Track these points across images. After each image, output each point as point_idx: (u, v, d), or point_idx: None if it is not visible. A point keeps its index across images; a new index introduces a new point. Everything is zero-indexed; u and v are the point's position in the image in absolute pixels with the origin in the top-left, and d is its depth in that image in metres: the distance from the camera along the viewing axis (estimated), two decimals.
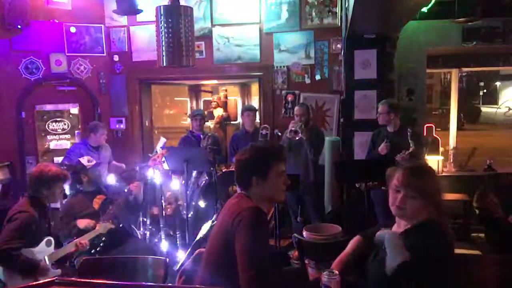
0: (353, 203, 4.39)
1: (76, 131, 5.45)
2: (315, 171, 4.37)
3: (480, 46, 5.03)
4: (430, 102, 15.36)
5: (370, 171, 3.56)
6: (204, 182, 4.43)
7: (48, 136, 5.33)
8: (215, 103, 6.81)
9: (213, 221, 2.56)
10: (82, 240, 3.12)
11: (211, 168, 4.12)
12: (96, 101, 5.48)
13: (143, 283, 2.22)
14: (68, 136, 5.41)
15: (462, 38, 4.98)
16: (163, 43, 3.07)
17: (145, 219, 4.29)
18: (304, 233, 3.34)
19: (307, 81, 5.19)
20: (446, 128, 6.01)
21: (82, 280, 1.56)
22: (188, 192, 4.18)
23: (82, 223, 3.30)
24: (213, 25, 5.29)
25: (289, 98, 5.23)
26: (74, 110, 5.45)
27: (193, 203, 4.42)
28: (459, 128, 6.12)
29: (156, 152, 4.22)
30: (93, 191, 3.54)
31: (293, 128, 4.15)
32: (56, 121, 5.36)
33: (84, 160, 3.52)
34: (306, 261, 2.84)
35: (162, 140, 4.39)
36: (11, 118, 5.06)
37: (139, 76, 5.59)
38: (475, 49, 5.14)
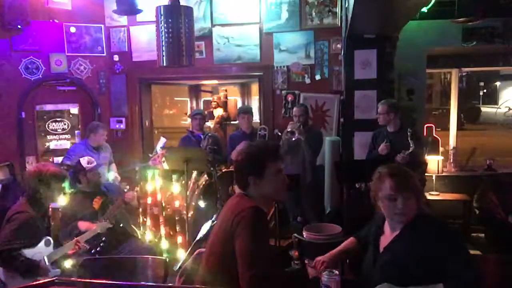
0: (353, 203, 4.38)
1: (76, 131, 5.46)
2: (313, 171, 4.37)
3: (480, 46, 5.03)
4: (430, 102, 15.35)
5: (370, 171, 3.56)
6: (204, 182, 4.43)
7: (48, 136, 5.33)
8: (215, 103, 6.80)
9: (213, 221, 2.56)
10: (81, 240, 3.12)
11: (211, 168, 4.12)
12: (96, 101, 5.48)
13: (143, 283, 2.22)
14: (68, 136, 5.42)
15: (462, 38, 4.98)
16: (163, 43, 3.07)
17: (145, 219, 4.29)
18: (304, 233, 3.34)
19: (307, 81, 5.19)
20: (446, 128, 6.00)
21: (82, 280, 1.56)
22: (188, 192, 4.18)
23: (83, 225, 3.30)
24: (213, 25, 5.29)
25: (289, 98, 5.23)
26: (74, 110, 5.46)
27: (193, 203, 4.42)
28: (459, 128, 6.12)
29: (156, 152, 4.23)
30: (93, 191, 3.54)
31: (289, 129, 4.16)
32: (56, 121, 5.36)
33: (84, 161, 3.51)
34: (306, 261, 2.84)
35: (162, 140, 4.39)
36: (11, 118, 5.06)
37: (139, 76, 5.59)
38: (475, 49, 5.14)
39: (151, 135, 5.97)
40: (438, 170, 4.95)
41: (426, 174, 4.44)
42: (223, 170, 4.67)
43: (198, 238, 2.71)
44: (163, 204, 4.40)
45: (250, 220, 1.75)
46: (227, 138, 6.84)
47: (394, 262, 1.85)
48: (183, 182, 4.21)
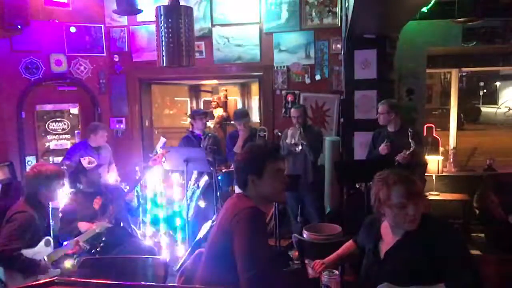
0: (353, 203, 4.38)
1: (76, 131, 5.46)
2: (315, 171, 4.37)
3: (480, 46, 5.03)
4: (430, 102, 15.34)
5: (370, 171, 3.56)
6: (204, 183, 4.43)
7: (48, 136, 5.33)
8: (215, 103, 6.81)
9: (213, 221, 2.56)
10: (80, 239, 3.12)
11: (211, 168, 4.12)
12: (96, 101, 5.48)
13: (143, 283, 2.22)
14: (68, 136, 5.42)
15: (462, 38, 4.98)
16: (163, 43, 3.06)
17: (145, 219, 4.30)
18: (304, 233, 3.35)
19: (307, 81, 5.19)
20: (446, 128, 6.00)
21: (82, 280, 1.56)
22: (188, 192, 4.19)
23: (83, 226, 3.30)
24: (213, 25, 5.29)
25: (289, 98, 5.23)
26: (74, 110, 5.46)
27: (193, 203, 4.42)
28: (459, 128, 6.12)
29: (156, 152, 4.22)
30: (93, 191, 3.54)
31: (293, 141, 4.12)
32: (56, 121, 5.36)
33: (85, 162, 3.51)
34: (306, 261, 2.84)
35: (162, 140, 4.39)
36: (11, 118, 5.06)
37: (139, 76, 5.59)
38: (475, 49, 5.14)
39: (151, 135, 5.97)
40: (438, 170, 4.95)
41: (426, 174, 4.44)
42: (223, 170, 4.68)
43: (198, 238, 2.72)
44: (163, 204, 4.41)
45: (248, 220, 1.75)
46: (227, 138, 6.86)
47: (398, 266, 1.84)
48: (183, 182, 4.22)
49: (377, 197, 1.88)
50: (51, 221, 3.61)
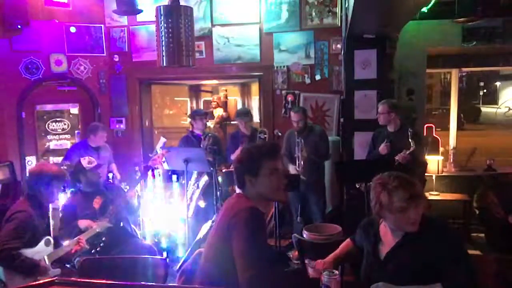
0: (353, 203, 4.38)
1: (76, 131, 5.46)
2: (319, 170, 4.38)
3: (480, 46, 5.03)
4: (430, 102, 15.35)
5: (370, 171, 3.55)
6: (204, 183, 4.43)
7: (48, 136, 5.33)
8: (215, 103, 6.81)
9: (213, 221, 2.56)
10: (80, 239, 3.12)
11: (211, 168, 4.12)
12: (96, 101, 5.48)
13: (143, 283, 2.22)
14: (68, 136, 5.42)
15: (462, 38, 4.98)
16: (163, 43, 3.07)
17: (145, 219, 4.30)
18: (304, 233, 3.35)
19: (307, 81, 5.20)
20: (446, 128, 6.01)
21: (82, 280, 1.56)
22: (188, 192, 4.19)
23: (82, 223, 3.30)
24: (213, 25, 5.29)
25: (289, 98, 5.23)
26: (74, 110, 5.46)
27: (193, 203, 4.42)
28: (459, 128, 6.12)
29: (156, 152, 4.23)
30: (93, 191, 3.54)
31: (297, 170, 4.14)
32: (56, 121, 5.36)
33: (84, 162, 3.51)
34: (306, 261, 2.84)
35: (162, 140, 4.39)
36: (11, 118, 5.06)
37: (139, 76, 5.59)
38: (475, 49, 5.14)
39: (151, 135, 5.97)
40: (438, 170, 4.95)
41: (426, 174, 4.44)
42: (223, 170, 4.67)
43: (198, 238, 2.71)
44: (163, 204, 4.41)
45: (246, 220, 1.75)
46: (227, 138, 6.86)
47: (399, 267, 1.85)
48: (183, 182, 4.22)
49: (378, 201, 1.87)
50: (51, 221, 3.61)
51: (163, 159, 3.94)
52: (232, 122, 6.91)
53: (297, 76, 5.23)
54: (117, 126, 5.61)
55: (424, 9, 4.35)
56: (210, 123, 6.45)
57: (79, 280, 1.56)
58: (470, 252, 1.91)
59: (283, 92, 5.26)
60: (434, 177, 4.99)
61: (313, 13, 5.10)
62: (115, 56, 5.53)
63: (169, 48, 3.07)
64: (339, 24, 5.02)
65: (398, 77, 4.93)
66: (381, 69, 4.53)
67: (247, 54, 5.27)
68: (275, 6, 5.15)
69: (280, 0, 5.13)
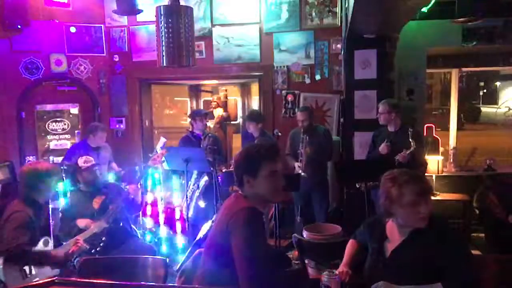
0: (353, 203, 4.38)
1: (76, 131, 5.46)
2: (322, 169, 4.39)
3: (480, 46, 5.02)
4: (430, 102, 15.35)
5: (370, 171, 3.56)
6: (204, 183, 4.43)
7: (48, 136, 5.33)
8: (215, 103, 6.81)
9: (213, 221, 2.56)
10: (78, 239, 3.12)
11: (211, 168, 4.12)
12: (96, 101, 5.48)
13: (143, 283, 2.22)
14: (68, 136, 5.42)
15: (462, 38, 4.98)
16: (163, 43, 3.07)
17: (145, 219, 4.30)
18: (304, 233, 3.34)
19: (307, 81, 5.20)
20: (446, 128, 6.00)
21: (82, 280, 1.56)
22: (188, 192, 4.19)
23: (81, 222, 3.31)
24: (213, 25, 5.29)
25: (289, 98, 5.23)
26: (74, 110, 5.46)
27: (193, 203, 4.43)
28: (459, 128, 6.12)
29: (156, 152, 4.23)
30: (92, 191, 3.54)
31: (299, 166, 4.17)
32: (56, 121, 5.37)
33: (81, 161, 3.51)
34: (306, 261, 2.84)
35: (162, 140, 4.39)
36: (11, 118, 5.06)
37: (139, 76, 5.59)
38: (475, 49, 5.13)
39: (151, 135, 5.97)
40: (438, 170, 4.95)
41: (426, 174, 4.44)
42: (223, 170, 4.67)
43: (198, 238, 2.71)
44: (163, 204, 4.41)
45: (245, 221, 1.74)
46: (227, 138, 6.86)
47: (404, 265, 1.85)
48: (183, 182, 4.22)
49: (388, 196, 1.87)
50: (51, 221, 3.62)
51: (163, 158, 3.94)
52: (232, 122, 6.91)
53: (297, 76, 5.23)
54: (117, 126, 5.61)
55: (424, 9, 4.35)
56: (210, 123, 6.45)
57: (79, 280, 1.56)
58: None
59: (283, 92, 5.26)
60: (434, 177, 4.99)
61: (313, 13, 5.10)
62: (115, 56, 5.53)
63: (169, 48, 3.07)
64: (339, 24, 5.02)
65: (398, 77, 4.92)
66: (381, 69, 4.52)
67: (247, 54, 5.27)
68: (275, 6, 5.15)
69: (280, 0, 5.13)
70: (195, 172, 4.45)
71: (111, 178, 4.61)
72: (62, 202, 3.83)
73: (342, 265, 2.15)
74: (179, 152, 4.04)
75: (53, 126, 5.35)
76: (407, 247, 1.89)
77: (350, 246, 2.24)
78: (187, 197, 4.12)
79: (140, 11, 4.61)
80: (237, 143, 6.74)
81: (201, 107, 6.96)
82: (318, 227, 3.56)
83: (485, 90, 20.92)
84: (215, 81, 6.64)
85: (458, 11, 4.33)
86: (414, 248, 1.86)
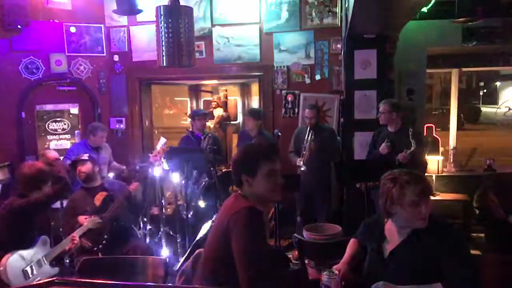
0: (353, 203, 4.38)
1: (76, 131, 5.46)
2: (326, 169, 4.40)
3: (480, 46, 5.02)
4: (430, 102, 15.36)
5: (371, 171, 3.56)
6: (204, 182, 4.43)
7: (48, 136, 5.33)
8: (215, 103, 6.80)
9: (213, 221, 2.56)
10: (73, 236, 3.14)
11: (211, 168, 4.12)
12: (96, 101, 5.48)
13: (143, 283, 2.22)
14: (68, 136, 5.42)
15: (462, 38, 4.98)
16: (163, 43, 3.07)
17: (145, 219, 4.29)
18: (304, 233, 3.34)
19: (307, 81, 5.19)
20: (446, 128, 6.00)
21: (82, 280, 1.56)
22: (188, 192, 4.19)
23: (82, 220, 3.32)
24: (213, 25, 5.29)
25: (289, 98, 5.23)
26: (74, 110, 5.46)
27: (193, 203, 4.43)
28: (459, 128, 6.12)
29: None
30: (94, 187, 3.55)
31: (302, 161, 4.20)
32: (56, 121, 5.36)
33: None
34: (306, 261, 2.84)
35: (162, 140, 4.39)
36: (11, 118, 5.06)
37: (139, 76, 5.59)
38: (475, 49, 5.14)
39: (151, 135, 5.97)
40: (438, 170, 4.95)
41: (426, 174, 4.44)
42: (223, 170, 4.68)
43: (198, 238, 2.71)
44: (163, 204, 4.41)
45: (245, 220, 1.74)
46: (227, 138, 6.86)
47: (402, 265, 1.86)
48: (183, 182, 4.21)
49: (389, 196, 1.86)
50: (51, 221, 3.63)
51: (163, 155, 3.93)
52: (232, 122, 6.91)
53: (297, 76, 5.23)
54: (117, 126, 5.61)
55: (424, 9, 4.34)
56: (210, 123, 6.46)
57: (79, 280, 1.56)
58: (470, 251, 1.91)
59: (283, 92, 5.25)
60: (434, 177, 4.99)
61: (313, 13, 5.09)
62: (115, 56, 5.53)
63: (169, 48, 3.07)
64: (339, 24, 5.02)
65: (398, 77, 4.92)
66: (381, 69, 4.52)
67: (247, 54, 5.27)
68: (275, 6, 5.15)
69: (280, 0, 5.13)
70: (195, 172, 4.44)
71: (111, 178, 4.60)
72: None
73: (341, 262, 2.15)
74: (179, 152, 4.04)
75: (53, 126, 5.35)
76: (406, 248, 1.88)
77: (351, 245, 2.24)
78: (187, 197, 4.12)
79: (140, 11, 4.61)
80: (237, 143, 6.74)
81: (201, 107, 6.96)
82: (318, 227, 3.55)
83: (485, 90, 20.93)
84: (215, 81, 6.64)
85: (458, 11, 4.33)
86: (413, 249, 1.86)
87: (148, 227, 4.30)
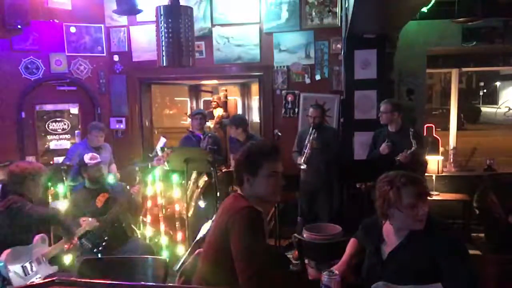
0: (353, 203, 4.39)
1: (76, 131, 5.46)
2: (329, 169, 4.41)
3: (480, 46, 5.03)
4: (430, 102, 15.37)
5: (371, 171, 3.56)
6: (204, 182, 4.43)
7: (48, 136, 5.33)
8: (215, 103, 6.80)
9: (212, 221, 2.56)
10: (75, 235, 3.15)
11: (211, 168, 4.11)
12: (96, 101, 5.48)
13: (143, 283, 2.22)
14: (68, 136, 5.42)
15: (462, 38, 4.98)
16: (163, 43, 3.06)
17: (145, 219, 4.29)
18: (304, 233, 3.34)
19: (307, 81, 5.19)
20: (446, 128, 6.01)
21: (82, 280, 1.56)
22: (188, 192, 4.19)
23: (83, 222, 3.31)
24: (213, 25, 5.29)
25: (289, 98, 5.23)
26: (74, 110, 5.46)
27: (193, 203, 4.42)
28: (459, 128, 6.12)
29: (156, 152, 4.23)
30: (97, 189, 3.55)
31: (303, 159, 4.22)
32: (56, 121, 5.36)
33: (87, 157, 3.53)
34: (306, 261, 2.84)
35: (162, 140, 4.39)
36: (11, 118, 5.06)
37: (139, 76, 5.59)
38: (475, 49, 5.14)
39: (151, 135, 5.97)
40: (438, 170, 4.95)
41: (426, 174, 4.44)
42: (223, 170, 4.67)
43: (197, 238, 2.71)
44: (163, 204, 4.41)
45: (244, 220, 1.75)
46: (227, 138, 6.85)
47: (401, 267, 1.85)
48: (183, 182, 4.21)
49: (385, 199, 1.85)
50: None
51: (167, 159, 3.92)
52: None
53: (297, 76, 5.23)
54: (117, 126, 5.61)
55: (424, 9, 4.35)
56: (210, 123, 6.46)
57: (79, 280, 1.56)
58: (470, 252, 1.91)
59: (283, 92, 5.25)
60: (434, 177, 4.99)
61: (313, 13, 5.09)
62: (115, 56, 5.53)
63: (169, 48, 3.06)
64: (339, 24, 5.02)
65: (398, 77, 4.93)
66: (381, 69, 4.53)
67: (247, 54, 5.27)
68: (275, 6, 5.15)
69: (280, 0, 5.13)
70: (195, 171, 4.44)
71: (111, 179, 4.60)
72: (64, 201, 3.84)
73: (340, 262, 2.15)
74: (179, 152, 4.04)
75: (53, 126, 5.35)
76: (404, 250, 1.88)
77: (350, 245, 2.24)
78: (187, 197, 4.12)
79: (140, 11, 4.61)
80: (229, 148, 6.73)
81: (201, 107, 6.96)
82: (318, 227, 3.54)
83: (485, 90, 20.93)
84: (215, 81, 6.64)
85: (458, 11, 4.33)
86: (411, 251, 1.86)
87: (148, 227, 4.30)
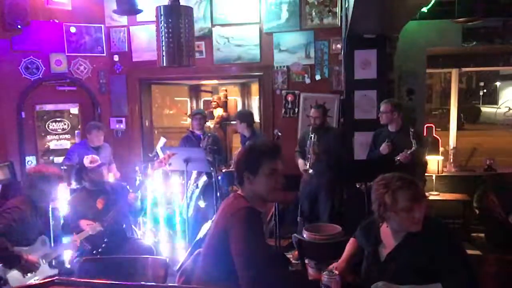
0: (353, 203, 4.38)
1: (76, 131, 5.46)
2: (331, 169, 4.40)
3: (480, 46, 5.03)
4: (430, 102, 15.36)
5: (371, 171, 3.55)
6: (203, 183, 4.43)
7: (48, 136, 5.33)
8: (215, 103, 6.80)
9: (212, 221, 2.56)
10: (75, 239, 3.15)
11: (211, 168, 4.11)
12: (96, 101, 5.48)
13: (143, 283, 2.22)
14: (68, 136, 5.42)
15: (462, 38, 4.98)
16: (163, 43, 3.07)
17: (145, 219, 4.29)
18: (304, 233, 3.34)
19: (307, 81, 5.19)
20: (446, 128, 6.00)
21: (82, 280, 1.56)
22: (188, 192, 4.19)
23: (83, 223, 3.31)
24: (213, 25, 5.29)
25: (289, 98, 5.23)
26: (74, 110, 5.46)
27: (193, 203, 4.42)
28: (459, 128, 6.12)
29: (156, 152, 4.22)
30: (97, 190, 3.54)
31: (306, 164, 4.20)
32: (56, 121, 5.37)
33: (87, 161, 3.52)
34: (306, 261, 2.84)
35: (162, 140, 4.38)
36: (11, 118, 5.06)
37: (139, 76, 5.59)
38: (475, 49, 5.14)
39: (151, 135, 5.97)
40: (438, 170, 4.95)
41: (426, 174, 4.44)
42: (223, 170, 4.68)
43: (198, 238, 2.71)
44: (163, 204, 4.41)
45: (243, 221, 1.75)
46: (227, 138, 6.86)
47: (400, 268, 1.85)
48: (183, 182, 4.21)
49: (382, 203, 1.85)
50: (51, 221, 3.61)
51: (169, 161, 3.88)
52: (232, 122, 6.90)
53: (297, 76, 5.23)
54: (117, 126, 5.61)
55: (424, 9, 4.35)
56: (210, 123, 6.46)
57: (79, 280, 1.56)
58: (470, 252, 1.92)
59: (283, 92, 5.25)
60: (434, 177, 4.99)
61: (313, 13, 5.09)
62: (115, 56, 5.53)
63: (169, 48, 3.06)
64: (339, 24, 5.02)
65: (398, 77, 4.93)
66: (381, 69, 4.53)
67: (247, 54, 5.27)
68: (275, 6, 5.15)
69: (280, 0, 5.12)
70: (195, 171, 4.44)
71: (110, 179, 4.60)
72: (66, 200, 3.83)
73: (339, 261, 2.15)
74: (179, 152, 4.04)
75: (53, 126, 5.35)
76: (402, 252, 1.88)
77: (350, 244, 2.24)
78: (187, 197, 4.12)
79: (140, 11, 4.61)
80: (237, 143, 6.73)
81: (201, 107, 6.96)
82: (318, 227, 3.56)
83: (485, 90, 20.91)
84: (215, 81, 6.64)
85: (458, 11, 4.33)
86: (408, 253, 1.86)
87: (148, 227, 4.30)
